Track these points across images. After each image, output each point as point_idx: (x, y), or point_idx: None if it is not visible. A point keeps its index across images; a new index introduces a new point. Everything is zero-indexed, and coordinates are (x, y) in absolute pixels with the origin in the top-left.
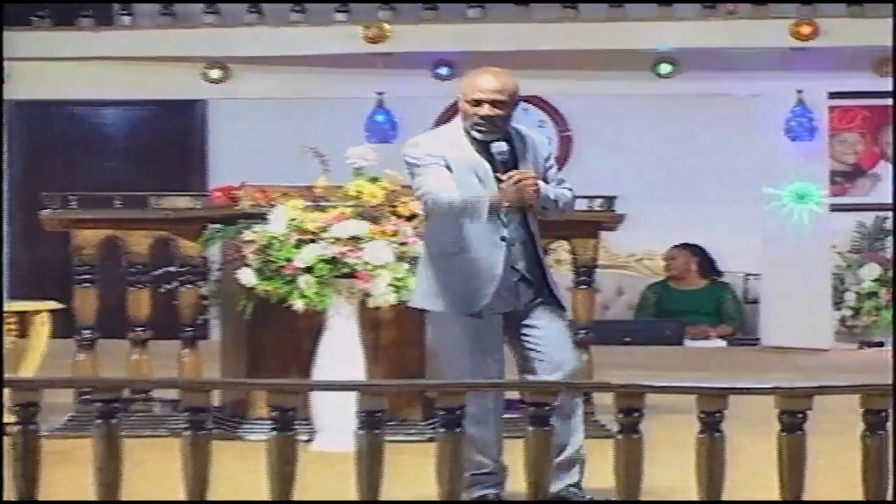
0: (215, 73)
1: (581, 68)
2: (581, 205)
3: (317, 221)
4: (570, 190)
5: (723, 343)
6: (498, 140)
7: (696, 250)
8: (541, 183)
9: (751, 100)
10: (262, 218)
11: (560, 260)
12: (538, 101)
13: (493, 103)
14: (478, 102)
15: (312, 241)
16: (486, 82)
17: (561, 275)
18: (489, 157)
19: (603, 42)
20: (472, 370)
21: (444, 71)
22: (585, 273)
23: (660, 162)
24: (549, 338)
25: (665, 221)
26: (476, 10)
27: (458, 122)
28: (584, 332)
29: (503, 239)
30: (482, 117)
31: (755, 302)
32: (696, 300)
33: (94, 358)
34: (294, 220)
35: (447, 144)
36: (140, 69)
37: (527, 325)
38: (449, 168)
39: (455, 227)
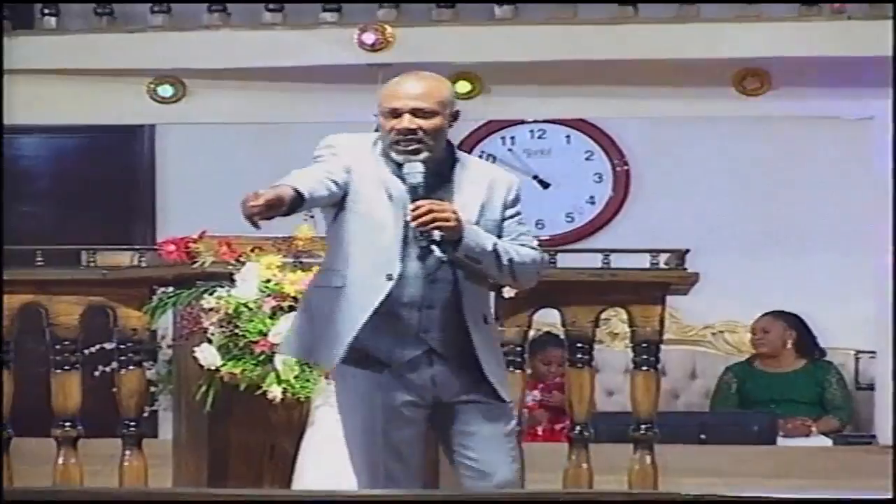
0: (166, 91)
1: (642, 84)
2: (642, 261)
3: (298, 283)
4: (535, 249)
5: (827, 441)
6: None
7: (794, 321)
8: (470, 227)
9: (863, 123)
10: (227, 279)
11: (615, 333)
12: (587, 127)
13: (416, 112)
14: (395, 113)
15: (292, 308)
16: (406, 86)
17: (615, 352)
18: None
19: (670, 49)
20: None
21: (462, 88)
22: (647, 350)
23: (744, 205)
24: (478, 441)
25: (750, 283)
26: (505, 9)
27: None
28: (645, 426)
29: (389, 277)
30: (400, 132)
31: (869, 388)
32: (792, 385)
33: (8, 461)
34: (269, 281)
35: (364, 150)
36: (68, 85)
37: (456, 430)
38: (348, 173)
39: (339, 256)
